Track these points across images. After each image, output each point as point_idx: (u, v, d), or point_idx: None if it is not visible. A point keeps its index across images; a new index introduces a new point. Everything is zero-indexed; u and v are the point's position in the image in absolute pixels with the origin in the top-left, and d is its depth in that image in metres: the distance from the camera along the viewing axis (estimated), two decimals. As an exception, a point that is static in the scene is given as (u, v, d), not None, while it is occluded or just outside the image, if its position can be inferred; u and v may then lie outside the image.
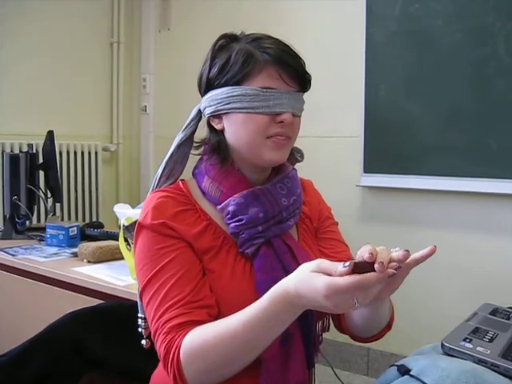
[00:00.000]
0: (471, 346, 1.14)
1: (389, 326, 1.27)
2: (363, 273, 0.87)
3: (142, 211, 1.18)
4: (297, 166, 1.34)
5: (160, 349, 1.05)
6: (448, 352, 1.14)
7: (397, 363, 1.10)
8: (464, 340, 1.17)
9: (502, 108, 2.64)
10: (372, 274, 0.87)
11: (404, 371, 1.05)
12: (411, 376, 1.02)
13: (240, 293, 1.11)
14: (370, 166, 3.07)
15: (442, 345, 1.16)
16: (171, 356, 1.02)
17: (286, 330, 1.03)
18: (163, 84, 4.21)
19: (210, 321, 1.05)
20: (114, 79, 4.27)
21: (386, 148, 3.02)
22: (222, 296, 1.11)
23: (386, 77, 2.99)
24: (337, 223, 1.40)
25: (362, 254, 0.90)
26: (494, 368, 1.06)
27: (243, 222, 1.15)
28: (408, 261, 0.93)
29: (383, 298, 1.03)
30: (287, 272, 1.06)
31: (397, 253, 0.92)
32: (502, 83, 2.63)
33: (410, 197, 3.01)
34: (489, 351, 1.12)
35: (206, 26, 3.59)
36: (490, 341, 1.20)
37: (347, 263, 0.88)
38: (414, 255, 0.94)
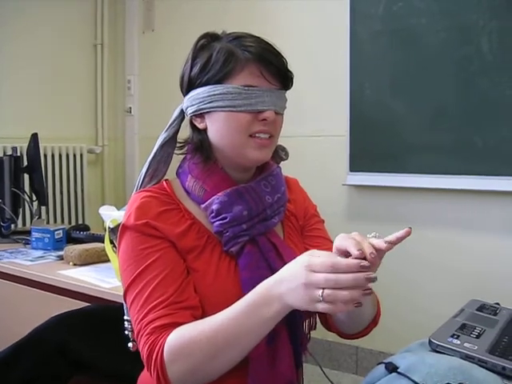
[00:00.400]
0: (459, 342, 1.14)
1: (375, 322, 1.27)
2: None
3: (125, 212, 1.18)
4: (284, 165, 1.34)
5: (143, 350, 1.04)
6: (435, 348, 1.14)
7: (384, 361, 1.09)
8: (451, 336, 1.17)
9: (486, 105, 2.66)
10: (345, 260, 0.91)
11: (392, 369, 1.05)
12: (399, 373, 1.02)
13: (224, 291, 1.11)
14: (355, 165, 3.08)
15: (430, 341, 1.16)
16: (154, 356, 1.01)
17: (273, 329, 1.03)
18: (148, 85, 4.20)
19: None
20: (99, 81, 4.25)
21: (371, 146, 3.02)
22: (207, 295, 1.11)
23: (370, 76, 3.00)
24: (323, 221, 1.40)
25: (345, 248, 0.95)
26: (481, 364, 1.07)
27: (227, 220, 1.15)
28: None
29: None
30: (272, 270, 1.06)
31: (377, 241, 0.95)
32: (486, 81, 2.64)
33: (397, 195, 3.02)
34: (476, 347, 1.12)
35: (191, 27, 3.58)
36: (478, 337, 1.20)
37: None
38: (390, 238, 0.96)
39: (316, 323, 1.29)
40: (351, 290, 0.89)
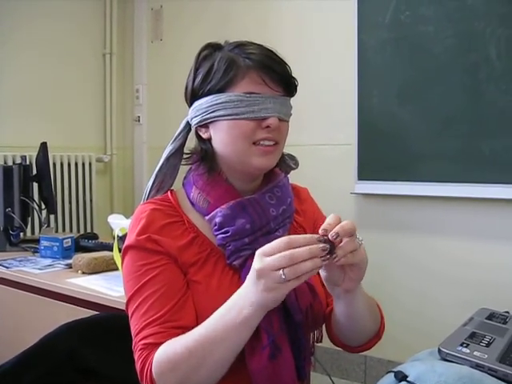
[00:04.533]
0: (468, 351, 1.14)
1: (378, 336, 1.25)
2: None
3: (129, 226, 1.19)
4: (291, 174, 1.32)
5: (137, 364, 1.07)
6: (445, 357, 1.14)
7: (394, 369, 1.09)
8: (461, 345, 1.17)
9: (493, 113, 2.65)
10: (301, 235, 0.93)
11: (401, 377, 1.04)
12: (408, 382, 1.02)
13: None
14: (363, 174, 3.07)
15: (439, 350, 1.16)
16: (145, 372, 1.04)
17: (274, 343, 1.05)
18: (156, 94, 4.21)
19: None
20: (107, 90, 4.27)
21: (379, 155, 3.02)
22: (208, 307, 1.10)
23: (378, 84, 3.00)
24: None
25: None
26: (491, 373, 1.06)
27: (229, 234, 1.14)
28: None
29: (347, 288, 1.05)
30: None
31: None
32: (494, 88, 2.64)
33: (405, 203, 3.01)
34: (486, 356, 1.12)
35: (199, 36, 3.59)
36: (487, 345, 1.19)
37: None
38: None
39: (322, 336, 1.28)
40: (310, 259, 0.91)
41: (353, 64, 3.06)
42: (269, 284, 0.91)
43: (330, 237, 0.93)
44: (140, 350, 1.06)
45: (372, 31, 3.00)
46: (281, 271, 0.89)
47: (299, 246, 0.91)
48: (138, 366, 1.06)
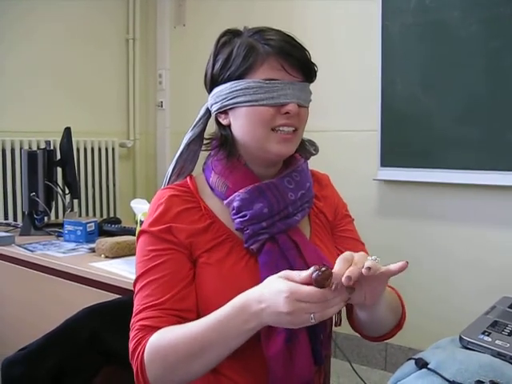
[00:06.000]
0: (490, 340, 1.13)
1: (399, 326, 1.25)
2: (325, 279, 0.90)
3: (148, 211, 1.21)
4: (314, 160, 1.32)
5: (130, 344, 1.08)
6: (466, 345, 1.13)
7: (414, 357, 1.09)
8: (482, 333, 1.16)
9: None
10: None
11: (422, 365, 1.04)
12: (429, 369, 1.02)
13: (240, 288, 1.03)
14: (386, 160, 3.06)
15: (461, 338, 1.15)
16: (137, 354, 1.05)
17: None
18: (179, 80, 4.21)
19: None
20: (130, 75, 4.29)
21: (403, 141, 3.00)
22: (220, 289, 1.11)
23: (402, 70, 2.97)
24: (353, 220, 1.38)
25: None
26: (513, 361, 1.06)
27: (247, 217, 1.15)
28: (383, 270, 0.93)
29: (368, 305, 1.03)
30: (292, 268, 1.03)
31: (370, 262, 0.91)
32: (520, 75, 2.60)
33: (428, 190, 2.99)
34: (508, 345, 1.11)
35: (221, 21, 3.55)
36: (509, 334, 1.18)
37: (311, 270, 0.92)
38: (382, 268, 0.93)
39: (341, 320, 1.28)
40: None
41: (377, 50, 3.03)
42: (295, 321, 0.92)
43: (343, 278, 0.90)
44: (137, 329, 1.08)
45: (396, 17, 2.96)
46: (312, 315, 0.90)
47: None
48: (130, 345, 1.07)
